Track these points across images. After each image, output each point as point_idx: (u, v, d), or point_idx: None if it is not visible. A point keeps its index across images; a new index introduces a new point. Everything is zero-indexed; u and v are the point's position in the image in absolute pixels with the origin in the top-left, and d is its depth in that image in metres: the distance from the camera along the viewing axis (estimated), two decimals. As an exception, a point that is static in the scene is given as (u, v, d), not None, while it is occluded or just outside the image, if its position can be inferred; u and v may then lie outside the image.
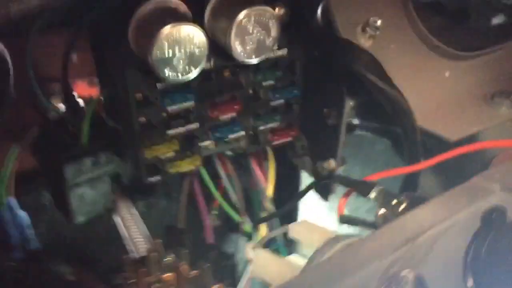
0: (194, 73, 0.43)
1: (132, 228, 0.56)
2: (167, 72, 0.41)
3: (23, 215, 0.65)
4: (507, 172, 0.33)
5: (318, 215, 0.67)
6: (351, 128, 0.65)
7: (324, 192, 0.61)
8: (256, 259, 0.31)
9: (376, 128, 0.68)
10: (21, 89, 0.61)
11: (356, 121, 0.67)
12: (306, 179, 0.73)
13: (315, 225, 0.33)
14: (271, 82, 0.50)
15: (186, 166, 0.50)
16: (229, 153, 0.62)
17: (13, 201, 0.65)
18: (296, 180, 0.69)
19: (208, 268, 0.28)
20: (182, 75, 0.42)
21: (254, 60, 0.45)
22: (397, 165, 0.55)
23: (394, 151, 0.67)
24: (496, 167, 0.34)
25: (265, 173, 0.63)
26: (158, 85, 0.45)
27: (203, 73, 0.47)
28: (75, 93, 0.56)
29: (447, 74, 0.53)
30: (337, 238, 0.30)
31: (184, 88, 0.46)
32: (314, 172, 0.59)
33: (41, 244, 0.71)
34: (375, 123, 0.67)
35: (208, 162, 0.60)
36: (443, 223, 0.29)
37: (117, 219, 0.62)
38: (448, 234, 0.29)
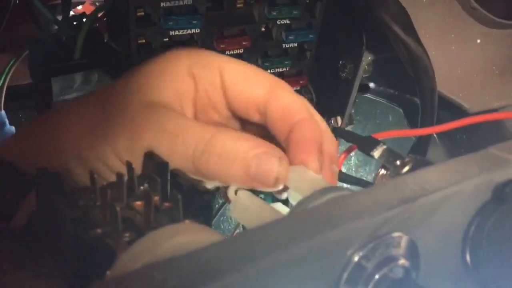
0: (202, -7, 0.39)
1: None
2: (173, -13, 0.38)
3: (12, 130, 0.63)
4: (529, 145, 0.29)
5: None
6: (365, 88, 0.61)
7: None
8: (236, 200, 0.28)
9: (390, 94, 0.64)
10: (22, 3, 0.58)
11: (371, 85, 0.63)
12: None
13: (308, 172, 0.30)
14: (286, 21, 0.46)
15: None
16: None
17: (2, 115, 0.63)
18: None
19: (179, 200, 0.25)
20: (189, -7, 0.39)
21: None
22: (411, 141, 0.51)
23: (406, 122, 0.63)
24: (518, 139, 0.30)
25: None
26: (162, 4, 0.41)
27: (213, 0, 0.43)
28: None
29: (478, 41, 0.48)
30: (328, 189, 0.27)
31: (190, 13, 0.42)
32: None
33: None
34: (391, 89, 0.63)
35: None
36: (449, 188, 0.25)
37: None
38: (451, 201, 0.26)
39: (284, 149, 0.32)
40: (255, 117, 0.34)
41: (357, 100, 0.58)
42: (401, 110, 0.63)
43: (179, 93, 0.34)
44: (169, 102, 0.33)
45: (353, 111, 0.59)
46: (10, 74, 0.62)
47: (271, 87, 0.33)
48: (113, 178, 0.28)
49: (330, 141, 0.33)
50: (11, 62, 0.62)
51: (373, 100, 0.66)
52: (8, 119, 0.64)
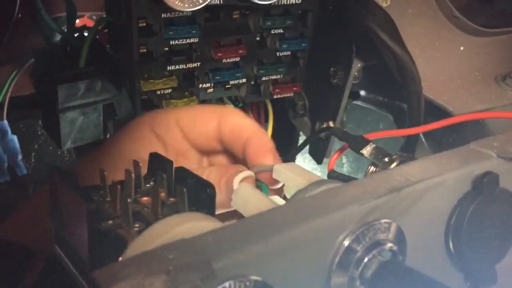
0: (201, 4, 0.41)
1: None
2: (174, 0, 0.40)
3: (14, 139, 0.65)
4: (506, 140, 0.31)
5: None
6: (356, 95, 0.64)
7: (318, 154, 0.60)
8: (238, 193, 0.31)
9: (380, 101, 0.67)
10: (25, 12, 0.60)
11: (362, 93, 0.66)
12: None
13: (301, 169, 0.32)
14: (280, 30, 0.48)
15: (182, 105, 0.48)
16: (228, 104, 0.61)
17: (5, 125, 0.65)
18: (294, 142, 0.68)
19: (184, 193, 0.28)
20: (189, 5, 0.41)
21: (266, 1, 0.43)
22: (396, 143, 0.54)
23: (396, 127, 0.65)
24: (496, 136, 0.32)
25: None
26: (163, 15, 0.43)
27: (211, 11, 0.46)
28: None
29: (461, 48, 0.51)
30: (321, 182, 0.29)
31: (189, 23, 0.45)
32: (312, 133, 0.58)
33: (28, 171, 0.71)
34: (381, 97, 0.66)
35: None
36: (432, 179, 0.28)
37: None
38: (435, 191, 0.28)
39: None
40: (219, 147, 0.39)
41: (348, 107, 0.61)
42: (391, 117, 0.65)
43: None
44: None
45: (345, 119, 0.61)
46: (12, 84, 0.64)
47: (220, 117, 0.39)
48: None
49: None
50: (14, 73, 0.64)
51: (365, 109, 0.68)
52: (10, 129, 0.66)
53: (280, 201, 0.32)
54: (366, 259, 0.25)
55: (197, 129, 0.39)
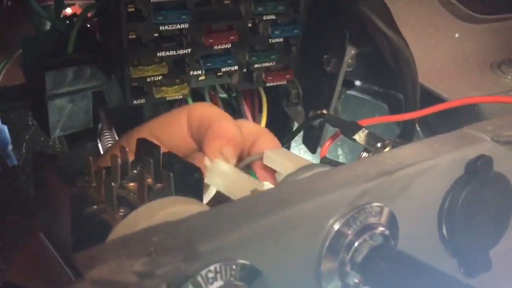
0: (190, -12, 0.40)
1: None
2: (162, -17, 0.39)
3: (4, 129, 0.64)
4: (500, 125, 0.31)
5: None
6: (350, 84, 0.63)
7: (312, 144, 0.59)
8: (214, 167, 0.30)
9: (375, 91, 0.66)
10: (15, 2, 0.59)
11: (357, 83, 0.65)
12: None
13: (292, 154, 0.31)
14: (272, 16, 0.47)
15: (172, 93, 0.48)
16: (222, 95, 0.61)
17: (-6, 115, 0.64)
18: (288, 131, 0.68)
19: (171, 177, 0.27)
20: (178, -12, 0.40)
21: (256, -14, 0.43)
22: (391, 132, 0.53)
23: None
24: (490, 120, 0.32)
25: (257, 120, 0.62)
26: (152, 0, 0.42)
27: (202, -5, 0.45)
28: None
29: (456, 35, 0.51)
30: (311, 166, 0.28)
31: (179, 8, 0.44)
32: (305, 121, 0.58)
33: (19, 162, 0.70)
34: (376, 86, 0.65)
35: (199, 101, 0.58)
36: (424, 163, 0.27)
37: (100, 146, 0.61)
38: (428, 175, 0.28)
39: None
40: (196, 145, 0.38)
41: (342, 96, 0.60)
42: (386, 107, 0.65)
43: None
44: None
45: (340, 109, 0.60)
46: (2, 74, 0.64)
47: (187, 112, 0.38)
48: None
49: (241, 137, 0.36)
50: (3, 63, 0.63)
51: (360, 99, 0.67)
52: (1, 119, 0.65)
53: (268, 186, 0.31)
54: (356, 243, 0.25)
55: (170, 132, 0.38)
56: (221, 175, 0.29)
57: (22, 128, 0.73)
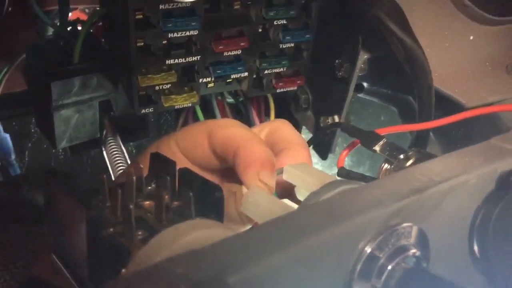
0: (200, -5, 0.39)
1: (118, 162, 0.53)
2: (172, -10, 0.38)
3: (6, 138, 0.63)
4: (530, 136, 0.30)
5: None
6: (360, 88, 0.62)
7: (323, 150, 0.58)
8: (247, 197, 0.29)
9: (384, 94, 0.65)
10: (16, 5, 0.58)
11: (365, 85, 0.64)
12: (305, 136, 0.70)
13: (314, 169, 0.30)
14: (283, 21, 0.46)
15: (181, 101, 0.46)
16: (229, 100, 0.59)
17: (-4, 123, 0.63)
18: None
19: (190, 197, 0.26)
20: (188, -5, 0.39)
21: (268, -9, 0.41)
22: (401, 138, 0.52)
23: (400, 121, 0.64)
24: (518, 131, 0.31)
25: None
26: (161, 7, 0.41)
27: (211, 1, 0.43)
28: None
29: (471, 37, 0.49)
30: (336, 183, 0.27)
31: (188, 15, 0.43)
32: (316, 128, 0.57)
33: (22, 170, 0.68)
34: (384, 89, 0.64)
35: (206, 107, 0.57)
36: (455, 179, 0.26)
37: (104, 153, 0.60)
38: (458, 192, 0.26)
39: None
40: (220, 164, 0.36)
41: (353, 100, 0.59)
42: (394, 109, 0.63)
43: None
44: None
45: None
46: (4, 81, 0.62)
47: (209, 133, 0.36)
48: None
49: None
50: (5, 69, 0.62)
51: (366, 100, 0.66)
52: (2, 127, 0.64)
53: (291, 204, 0.30)
54: (389, 267, 0.23)
55: (192, 149, 0.37)
56: (255, 205, 0.28)
57: (25, 136, 0.71)
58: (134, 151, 0.77)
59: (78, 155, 0.60)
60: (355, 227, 0.23)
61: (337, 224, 0.23)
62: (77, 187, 0.28)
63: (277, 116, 0.59)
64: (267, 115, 0.60)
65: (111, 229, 0.26)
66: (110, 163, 0.54)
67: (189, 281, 0.19)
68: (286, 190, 0.32)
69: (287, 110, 0.61)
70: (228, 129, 0.35)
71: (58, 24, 0.47)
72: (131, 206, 0.25)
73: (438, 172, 0.26)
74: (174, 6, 0.41)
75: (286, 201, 0.31)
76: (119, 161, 0.53)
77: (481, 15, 0.49)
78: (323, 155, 0.57)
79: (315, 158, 0.65)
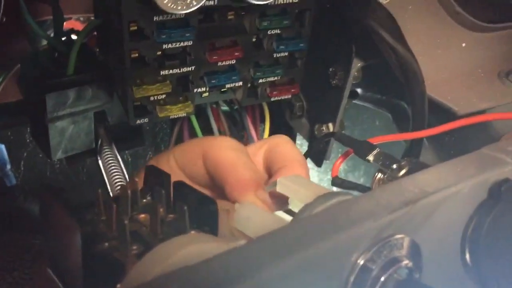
0: (195, 6, 0.39)
1: (114, 171, 0.53)
2: (166, 1, 0.38)
3: (2, 148, 0.63)
4: (521, 145, 0.30)
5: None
6: (354, 95, 0.62)
7: (318, 157, 0.58)
8: (239, 212, 0.29)
9: (378, 99, 0.65)
10: (9, 15, 0.58)
11: (359, 91, 0.64)
12: (300, 142, 0.70)
13: (307, 181, 0.30)
14: (277, 31, 0.46)
15: (176, 111, 0.47)
16: (224, 108, 0.59)
17: (-9, 133, 0.63)
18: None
19: (185, 211, 0.26)
20: (182, 7, 0.39)
21: (262, 1, 0.42)
22: (395, 144, 0.52)
23: (395, 126, 0.64)
24: (509, 140, 0.31)
25: (258, 133, 0.61)
26: (155, 18, 0.41)
27: (204, 12, 0.44)
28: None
29: (463, 44, 0.50)
30: (329, 195, 0.27)
31: (182, 26, 0.43)
32: (310, 135, 0.57)
33: (17, 180, 0.68)
34: (378, 95, 0.64)
35: (200, 115, 0.57)
36: (448, 189, 0.26)
37: (100, 162, 0.60)
38: (450, 202, 0.27)
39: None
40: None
41: (347, 107, 0.59)
42: (389, 115, 0.64)
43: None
44: None
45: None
46: (-1, 91, 0.62)
47: (204, 152, 0.37)
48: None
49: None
50: (0, 79, 0.62)
51: (360, 106, 0.67)
52: (-2, 137, 0.64)
53: (284, 216, 0.30)
54: (382, 279, 0.24)
55: (188, 165, 0.38)
56: (247, 219, 0.28)
57: (20, 146, 0.72)
58: (129, 159, 0.77)
59: (73, 165, 0.60)
60: (348, 240, 0.23)
61: (330, 237, 0.23)
62: (72, 199, 0.28)
63: (272, 123, 0.59)
64: (262, 122, 0.60)
65: (106, 244, 0.26)
66: (105, 172, 0.54)
67: (183, 298, 0.19)
68: (280, 201, 0.32)
69: (281, 117, 0.61)
70: (220, 151, 0.36)
71: (51, 35, 0.47)
72: (126, 222, 0.25)
73: (430, 182, 0.27)
74: (168, 18, 0.41)
75: (280, 213, 0.31)
76: (114, 170, 0.53)
77: (473, 22, 0.49)
78: (318, 163, 0.57)
79: (310, 164, 0.65)
